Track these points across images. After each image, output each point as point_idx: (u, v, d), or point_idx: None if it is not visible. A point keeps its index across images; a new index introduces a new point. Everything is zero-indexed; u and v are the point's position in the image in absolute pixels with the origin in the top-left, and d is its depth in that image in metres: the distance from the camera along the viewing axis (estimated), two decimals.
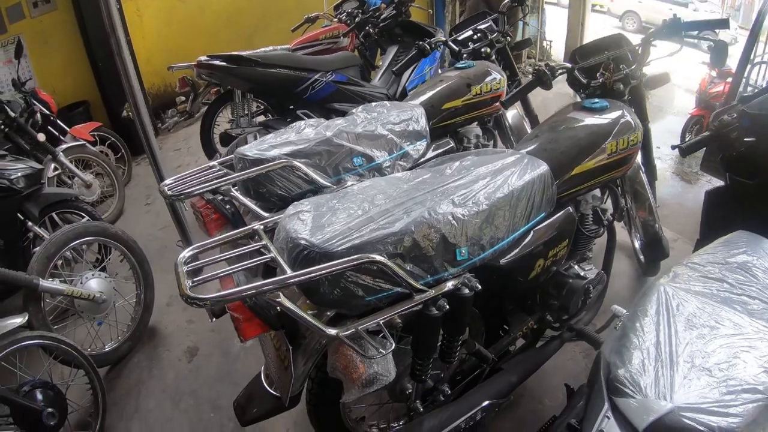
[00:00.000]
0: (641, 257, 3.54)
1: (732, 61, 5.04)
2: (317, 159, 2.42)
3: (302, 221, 1.68)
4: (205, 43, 7.04)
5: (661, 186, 4.82)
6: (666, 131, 6.35)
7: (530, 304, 2.42)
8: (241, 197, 2.34)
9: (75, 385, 2.76)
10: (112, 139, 5.48)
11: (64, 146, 4.60)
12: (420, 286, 1.66)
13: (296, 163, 2.34)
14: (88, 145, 4.87)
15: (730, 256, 1.76)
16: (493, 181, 1.92)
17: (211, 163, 2.51)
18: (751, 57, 5.37)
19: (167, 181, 2.38)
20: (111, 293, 3.24)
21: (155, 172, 3.71)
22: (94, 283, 3.17)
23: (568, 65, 2.67)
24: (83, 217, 3.76)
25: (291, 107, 4.17)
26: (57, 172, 4.53)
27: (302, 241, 1.58)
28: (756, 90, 5.44)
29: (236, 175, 2.32)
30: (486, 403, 1.98)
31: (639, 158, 3.21)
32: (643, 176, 3.20)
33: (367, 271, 1.58)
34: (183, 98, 5.61)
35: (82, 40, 6.20)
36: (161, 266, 3.87)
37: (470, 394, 2.04)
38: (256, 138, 3.40)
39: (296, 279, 1.50)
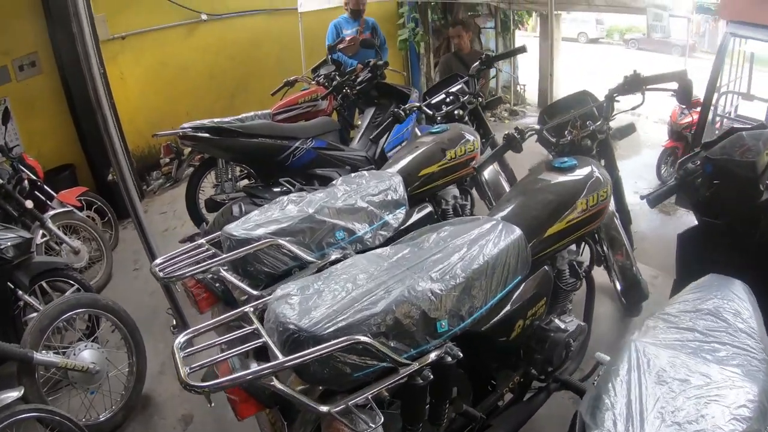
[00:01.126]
0: (623, 300, 3.63)
1: (699, 90, 5.07)
2: (301, 236, 2.51)
3: (290, 305, 1.75)
4: (189, 103, 7.28)
5: (640, 220, 4.90)
6: (642, 165, 6.50)
7: (514, 359, 2.47)
8: (230, 277, 2.40)
9: None
10: (99, 203, 5.52)
11: (51, 212, 4.62)
12: (404, 361, 1.72)
13: (281, 241, 2.42)
14: (75, 210, 4.90)
15: (701, 303, 1.83)
16: (469, 252, 2.01)
17: (199, 242, 2.58)
18: (718, 86, 5.55)
19: (158, 261, 2.44)
20: (104, 364, 3.25)
21: (146, 249, 3.72)
22: (87, 354, 3.18)
23: (537, 127, 2.80)
24: (73, 285, 3.78)
25: (273, 176, 4.26)
26: (45, 239, 4.55)
27: (291, 326, 1.65)
28: (724, 125, 5.63)
29: (225, 256, 2.39)
30: None
31: (612, 205, 3.32)
32: (618, 222, 3.33)
33: (353, 351, 1.64)
34: (167, 160, 5.68)
35: (67, 103, 6.29)
36: (152, 333, 3.90)
37: None
38: (241, 208, 3.52)
39: (289, 363, 1.57)
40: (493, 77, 8.91)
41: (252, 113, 5.26)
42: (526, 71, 10.00)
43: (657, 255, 4.33)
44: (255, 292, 2.31)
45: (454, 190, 3.46)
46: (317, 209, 2.59)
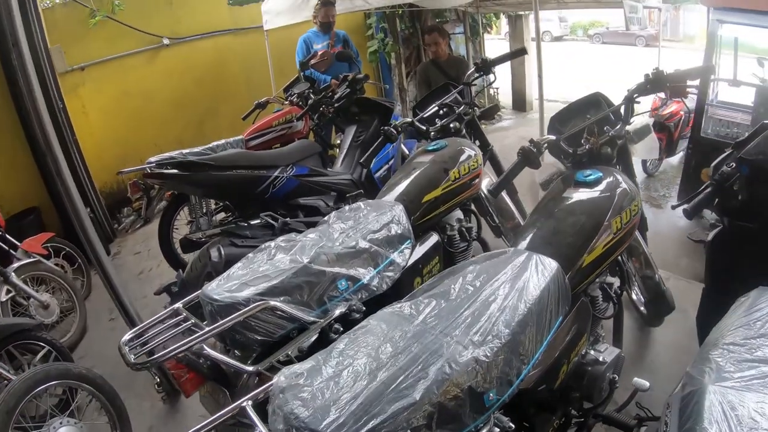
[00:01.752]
0: (642, 310, 3.38)
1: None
2: (298, 294, 2.14)
3: (300, 400, 1.42)
4: (156, 133, 7.01)
5: None
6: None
7: (551, 402, 2.16)
8: (216, 355, 2.05)
9: None
10: (67, 249, 5.13)
11: (16, 265, 4.26)
12: None
13: (275, 303, 2.06)
14: (42, 260, 4.54)
15: (764, 325, 1.62)
16: (508, 299, 1.72)
17: (175, 306, 2.24)
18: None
19: (126, 338, 2.09)
20: None
21: (121, 312, 3.46)
22: None
23: (552, 138, 2.53)
24: (44, 347, 3.48)
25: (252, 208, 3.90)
26: (10, 295, 4.15)
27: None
28: (708, 113, 5.47)
29: (207, 330, 2.02)
30: None
31: None
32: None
33: None
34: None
35: (27, 143, 5.84)
36: (135, 392, 3.58)
37: None
38: (220, 252, 3.14)
39: None
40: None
41: (223, 141, 4.88)
42: (498, 74, 9.77)
43: (656, 253, 4.06)
44: (249, 368, 2.01)
45: (457, 213, 3.16)
46: (313, 257, 2.23)
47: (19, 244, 4.55)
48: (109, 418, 3.10)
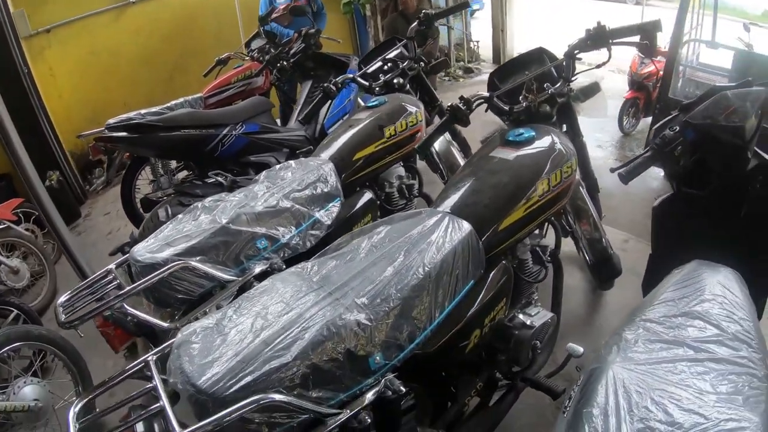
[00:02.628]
0: (593, 275, 3.34)
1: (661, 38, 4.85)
2: (214, 253, 2.18)
3: (189, 357, 1.45)
4: (125, 91, 6.85)
5: (605, 176, 4.64)
6: (603, 117, 6.25)
7: (476, 363, 2.18)
8: (136, 312, 2.10)
9: None
10: (38, 214, 5.09)
11: None
12: (331, 411, 1.43)
13: (192, 263, 2.09)
14: (12, 225, 4.50)
15: (688, 303, 1.58)
16: (407, 262, 1.69)
17: (109, 267, 2.27)
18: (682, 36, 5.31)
19: (62, 300, 2.16)
20: (47, 398, 2.99)
21: (76, 271, 3.44)
22: (28, 391, 2.92)
23: (485, 95, 2.44)
24: (12, 311, 3.53)
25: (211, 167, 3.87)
26: None
27: (190, 387, 1.37)
28: (686, 74, 5.38)
29: (128, 289, 2.09)
30: None
31: (577, 173, 3.01)
32: (584, 191, 3.01)
33: (266, 408, 1.35)
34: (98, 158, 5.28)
35: None
36: (100, 351, 3.55)
37: None
38: (167, 212, 3.16)
39: None
40: (446, 35, 8.51)
41: (182, 99, 4.82)
42: (479, 27, 9.65)
43: (625, 214, 4.11)
44: (165, 325, 2.05)
45: (398, 170, 3.13)
46: (232, 218, 2.25)
47: None
48: (72, 377, 3.16)
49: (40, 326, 3.28)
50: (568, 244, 3.40)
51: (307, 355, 1.42)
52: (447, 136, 3.61)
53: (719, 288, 1.62)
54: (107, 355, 3.56)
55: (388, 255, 1.73)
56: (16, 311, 3.54)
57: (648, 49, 2.34)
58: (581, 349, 1.96)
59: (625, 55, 6.51)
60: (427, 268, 1.68)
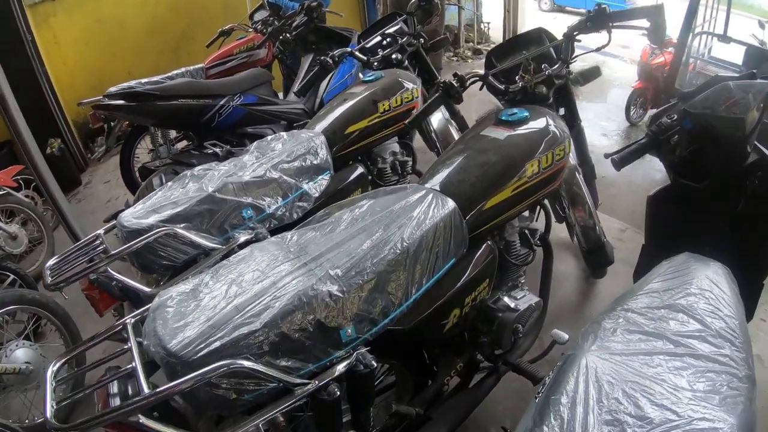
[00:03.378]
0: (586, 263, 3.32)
1: (671, 30, 4.77)
2: (198, 221, 2.19)
3: (163, 320, 1.47)
4: (130, 60, 6.80)
5: (608, 164, 4.63)
6: (611, 105, 6.23)
7: (458, 343, 2.18)
8: (118, 276, 2.13)
9: None
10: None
11: None
12: (299, 381, 1.44)
13: (177, 230, 2.11)
14: (11, 192, 4.54)
15: (673, 295, 1.54)
16: (385, 236, 1.67)
17: (97, 233, 2.29)
18: (692, 27, 5.24)
19: (51, 263, 2.19)
20: (39, 361, 3.03)
21: (69, 234, 3.45)
22: (20, 354, 2.97)
23: (481, 73, 2.42)
24: (9, 276, 3.56)
25: (210, 138, 3.89)
26: None
27: (161, 350, 1.39)
28: (696, 67, 5.32)
29: (113, 252, 2.12)
30: None
31: (575, 159, 2.98)
32: (580, 177, 2.98)
33: (234, 374, 1.37)
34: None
35: None
36: (92, 317, 3.59)
37: None
38: (162, 180, 3.18)
39: (153, 398, 1.33)
40: (456, 15, 8.42)
41: (183, 69, 4.80)
42: (491, 8, 9.50)
43: (625, 203, 4.09)
44: (148, 290, 2.07)
45: (392, 146, 3.11)
46: (219, 186, 2.26)
47: None
48: (63, 341, 3.21)
49: (34, 291, 3.29)
50: (563, 231, 3.40)
51: (276, 323, 1.42)
52: (445, 114, 3.58)
53: (707, 282, 1.58)
54: (99, 321, 3.59)
55: (367, 228, 1.72)
56: (12, 276, 3.56)
57: (655, 35, 2.31)
58: (566, 336, 1.94)
59: (636, 45, 6.50)
60: (405, 244, 1.67)
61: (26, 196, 4.83)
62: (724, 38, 5.68)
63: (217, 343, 1.37)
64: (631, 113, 6.01)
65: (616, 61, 8.00)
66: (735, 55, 5.35)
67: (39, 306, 3.11)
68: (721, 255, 1.73)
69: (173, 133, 4.60)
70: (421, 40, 3.42)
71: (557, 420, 1.18)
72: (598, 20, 2.35)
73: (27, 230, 4.66)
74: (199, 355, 1.35)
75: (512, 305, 2.10)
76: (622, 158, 2.10)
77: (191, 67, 4.87)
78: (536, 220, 2.37)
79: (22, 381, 2.92)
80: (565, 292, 3.33)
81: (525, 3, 8.56)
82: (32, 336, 3.18)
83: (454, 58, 8.46)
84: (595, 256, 3.14)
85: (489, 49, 8.84)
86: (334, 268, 1.56)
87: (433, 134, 3.56)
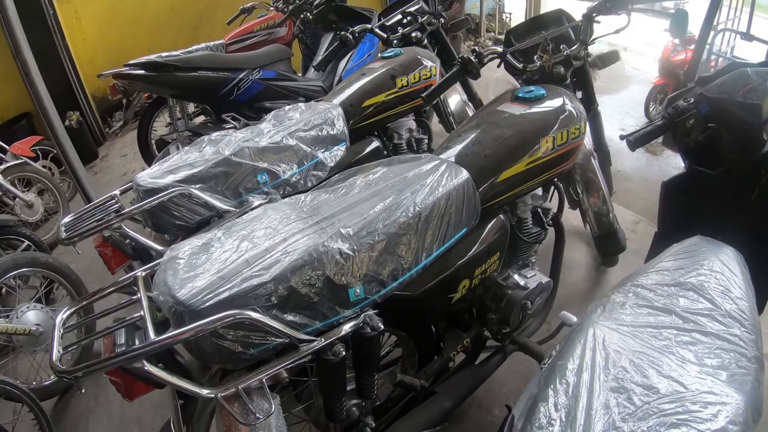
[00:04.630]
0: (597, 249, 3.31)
1: (695, 28, 4.75)
2: (214, 182, 2.21)
3: (174, 271, 1.48)
4: (150, 38, 6.82)
5: (624, 159, 4.69)
6: (630, 101, 6.20)
7: (466, 319, 2.20)
8: (131, 233, 2.15)
9: (22, 421, 2.65)
10: (56, 151, 5.17)
11: (2, 166, 4.38)
12: (305, 337, 1.44)
13: (192, 190, 2.13)
14: (29, 161, 4.62)
15: (684, 274, 1.53)
16: (398, 200, 1.68)
17: (113, 193, 2.30)
18: (715, 23, 5.17)
19: (66, 220, 2.19)
20: (49, 324, 3.05)
21: (83, 198, 3.46)
22: (31, 316, 3.01)
23: (499, 50, 2.41)
24: (23, 242, 3.65)
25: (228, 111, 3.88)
26: None
27: (170, 299, 1.39)
28: (718, 65, 5.25)
29: (127, 210, 2.14)
30: None
31: (590, 143, 2.98)
32: (595, 163, 2.97)
33: (241, 326, 1.38)
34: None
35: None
36: (105, 283, 3.68)
37: (396, 427, 1.85)
38: (178, 149, 3.18)
39: (158, 344, 1.33)
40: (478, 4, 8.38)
41: (203, 44, 4.85)
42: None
43: (640, 198, 4.06)
44: (159, 248, 2.08)
45: (409, 123, 3.11)
46: (235, 150, 2.27)
47: (7, 147, 4.65)
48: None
49: (48, 256, 3.33)
50: (576, 219, 3.40)
51: (285, 277, 1.43)
52: (463, 96, 3.59)
53: (718, 264, 1.56)
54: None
55: (380, 192, 1.72)
56: (26, 242, 3.63)
57: (677, 27, 2.30)
58: (575, 318, 1.90)
59: (658, 41, 6.45)
60: (417, 209, 1.67)
61: (43, 167, 4.90)
62: (747, 36, 5.61)
63: (226, 294, 1.37)
64: (651, 109, 5.93)
65: (639, 57, 7.94)
66: (758, 54, 5.29)
67: (51, 269, 3.15)
68: (735, 243, 1.72)
69: (191, 108, 4.63)
70: (441, 20, 3.42)
71: (563, 384, 1.19)
72: (617, 2, 2.35)
73: (43, 200, 4.73)
74: (207, 304, 1.36)
75: (522, 283, 2.11)
76: (637, 139, 2.07)
77: (211, 43, 4.92)
78: (549, 201, 2.38)
79: (32, 342, 2.97)
80: (575, 278, 3.33)
81: None
82: (44, 300, 3.22)
83: (475, 48, 8.44)
84: (607, 242, 3.13)
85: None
86: (346, 228, 1.56)
87: (450, 116, 3.57)
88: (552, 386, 1.19)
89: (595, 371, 1.20)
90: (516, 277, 2.15)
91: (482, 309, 2.15)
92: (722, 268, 1.54)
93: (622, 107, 6.08)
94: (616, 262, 3.29)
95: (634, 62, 7.57)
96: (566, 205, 2.61)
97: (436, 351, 2.11)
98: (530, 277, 2.15)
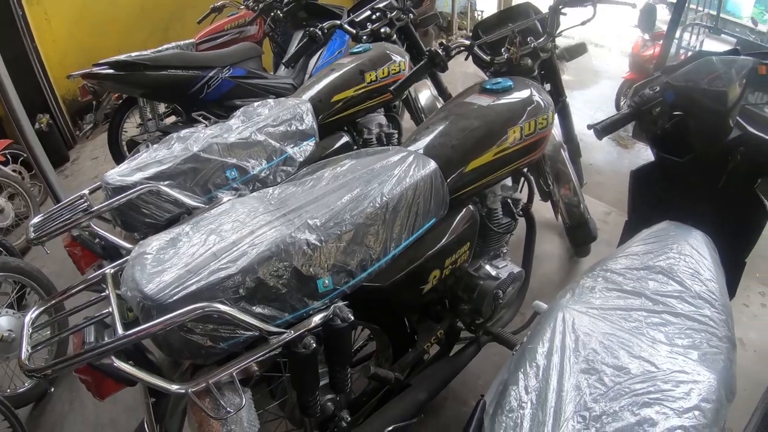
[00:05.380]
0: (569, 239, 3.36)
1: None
2: (182, 179, 2.20)
3: (141, 267, 1.47)
4: (121, 39, 6.67)
5: (595, 151, 4.74)
6: (601, 96, 6.26)
7: (438, 310, 2.22)
8: (101, 232, 2.14)
9: None
10: (26, 155, 5.10)
11: None
12: (275, 329, 1.44)
13: (160, 187, 2.11)
14: None
15: (653, 257, 1.56)
16: (365, 191, 1.69)
17: (82, 192, 2.28)
18: (684, 19, 5.25)
19: (35, 221, 2.18)
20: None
21: (53, 199, 3.55)
22: (2, 321, 2.96)
23: (466, 42, 2.41)
24: None
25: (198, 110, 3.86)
26: None
27: (137, 294, 1.38)
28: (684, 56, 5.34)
29: (95, 208, 2.12)
30: (390, 428, 1.82)
31: (560, 135, 3.01)
32: (565, 155, 3.00)
33: (209, 319, 1.37)
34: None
35: None
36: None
37: (371, 420, 1.87)
38: (148, 147, 3.17)
39: (126, 339, 1.32)
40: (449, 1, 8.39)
41: (173, 44, 4.81)
42: None
43: (611, 190, 4.11)
44: (128, 246, 2.07)
45: (379, 118, 3.12)
46: (204, 146, 2.26)
47: None
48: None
49: (19, 259, 3.30)
50: (549, 211, 3.44)
51: (253, 268, 1.42)
52: (433, 91, 3.60)
53: (687, 248, 1.60)
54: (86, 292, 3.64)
55: (347, 184, 1.73)
56: None
57: (646, 21, 2.32)
58: (546, 307, 1.95)
59: (629, 36, 6.53)
60: (385, 199, 1.68)
61: (13, 171, 4.83)
62: (716, 30, 5.72)
63: (194, 287, 1.37)
64: (621, 103, 5.93)
65: (610, 53, 8.01)
66: (726, 49, 5.40)
67: (23, 274, 3.11)
68: (704, 228, 1.75)
69: (162, 108, 4.60)
70: (410, 15, 3.43)
71: (533, 368, 1.20)
72: None
73: (14, 204, 4.66)
74: (174, 298, 1.35)
75: (493, 273, 2.14)
76: (604, 127, 2.12)
77: (181, 42, 4.87)
78: (520, 192, 2.40)
79: (5, 349, 2.92)
80: (548, 269, 3.38)
81: None
82: (16, 305, 3.17)
83: (443, 41, 8.46)
84: (579, 232, 3.19)
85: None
86: (313, 219, 1.56)
87: (420, 111, 3.58)
88: (522, 370, 1.21)
89: (565, 353, 1.22)
90: (487, 267, 2.17)
91: (455, 300, 2.17)
92: (691, 252, 1.57)
93: (593, 102, 6.13)
94: (588, 252, 3.35)
95: (605, 58, 7.64)
96: (537, 197, 2.64)
97: (410, 343, 2.11)
98: (502, 268, 2.17)
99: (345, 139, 2.89)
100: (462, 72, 2.98)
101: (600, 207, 3.94)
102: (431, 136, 2.03)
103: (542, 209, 3.43)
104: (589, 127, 2.20)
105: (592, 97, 6.28)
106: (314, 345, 1.47)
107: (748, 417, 2.12)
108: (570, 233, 3.24)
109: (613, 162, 4.79)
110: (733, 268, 2.01)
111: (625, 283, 1.47)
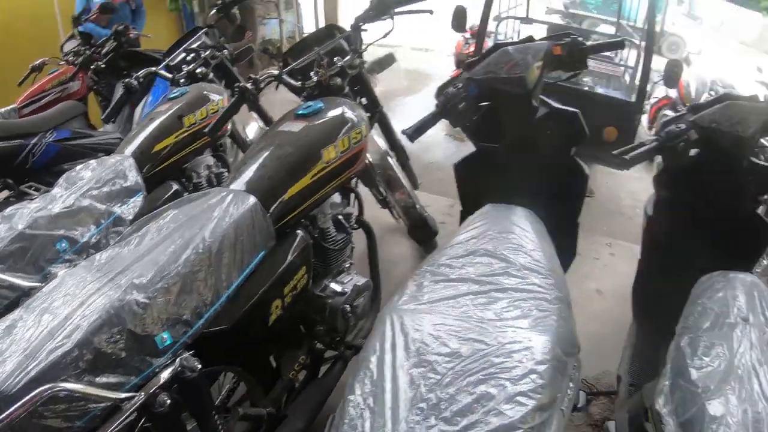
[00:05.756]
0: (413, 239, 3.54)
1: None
2: (12, 261, 2.12)
3: None
4: None
5: (436, 150, 4.98)
6: (432, 98, 6.51)
7: (295, 337, 2.27)
8: None
9: None
10: None
11: None
12: (125, 395, 1.43)
13: None
14: None
15: (476, 242, 1.68)
16: (186, 239, 1.73)
17: None
18: (498, 12, 5.64)
19: None
20: None
21: None
22: None
23: (275, 72, 2.53)
24: None
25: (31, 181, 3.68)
26: None
27: None
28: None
29: None
30: None
31: (384, 145, 3.17)
32: (392, 161, 3.16)
33: (59, 400, 1.35)
34: None
35: None
36: None
37: None
38: None
39: None
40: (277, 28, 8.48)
41: None
42: (311, 21, 9.62)
43: (452, 184, 4.27)
44: None
45: (207, 160, 3.15)
46: (29, 222, 2.20)
47: None
48: None
49: None
50: (390, 217, 3.61)
51: (88, 340, 1.42)
52: (260, 123, 3.67)
53: (508, 225, 1.73)
54: None
55: (170, 236, 1.75)
56: None
57: (457, 19, 2.47)
58: None
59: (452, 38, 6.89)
60: (207, 243, 1.72)
61: None
62: (527, 20, 6.20)
63: (34, 372, 1.35)
64: None
65: (438, 55, 8.37)
66: (541, 35, 5.83)
67: None
68: (533, 206, 1.93)
69: None
70: (225, 52, 3.48)
71: (367, 375, 1.26)
72: (379, 8, 2.56)
73: None
74: (19, 386, 1.32)
75: (339, 289, 2.24)
76: (415, 131, 2.25)
77: (2, 110, 4.65)
78: (351, 206, 2.52)
79: None
80: (401, 271, 3.49)
81: (345, 14, 8.73)
82: None
83: (251, 75, 8.50)
84: (420, 231, 3.38)
85: None
86: (139, 278, 1.58)
87: (247, 145, 3.64)
88: (358, 379, 1.27)
89: (396, 354, 1.29)
90: (333, 285, 2.26)
91: (309, 323, 2.24)
92: (512, 228, 1.72)
93: (425, 105, 6.31)
94: (435, 246, 3.48)
95: (435, 61, 7.99)
96: (377, 206, 2.76)
97: (275, 376, 2.15)
98: (347, 282, 2.27)
99: (174, 187, 2.87)
100: (282, 98, 3.07)
101: (443, 201, 4.17)
102: (249, 171, 2.09)
103: (385, 216, 3.59)
104: (403, 132, 2.33)
105: (424, 100, 6.53)
106: (168, 401, 1.48)
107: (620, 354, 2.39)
108: (412, 234, 3.42)
109: (451, 157, 4.95)
110: (568, 231, 2.23)
111: (450, 272, 1.57)
